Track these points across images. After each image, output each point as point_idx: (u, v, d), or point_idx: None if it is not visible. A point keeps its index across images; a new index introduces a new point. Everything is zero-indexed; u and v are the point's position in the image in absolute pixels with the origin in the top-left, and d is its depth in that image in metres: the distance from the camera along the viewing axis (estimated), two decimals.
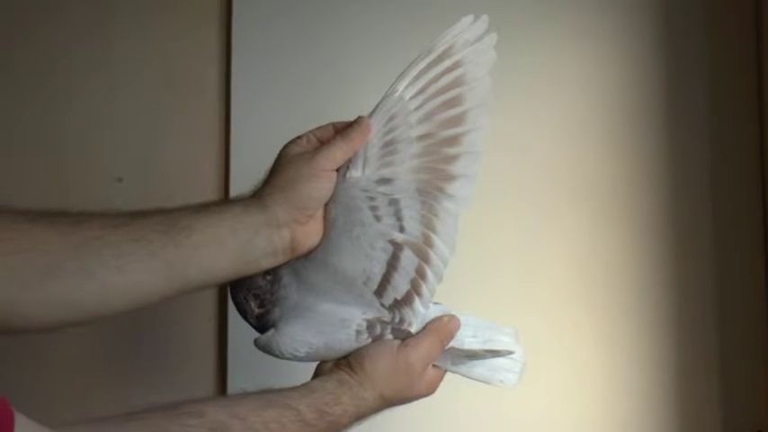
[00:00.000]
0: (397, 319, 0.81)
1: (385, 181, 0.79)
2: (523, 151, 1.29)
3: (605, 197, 1.29)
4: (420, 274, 0.80)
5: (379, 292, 0.80)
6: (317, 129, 0.82)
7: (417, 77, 0.80)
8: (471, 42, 0.80)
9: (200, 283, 0.78)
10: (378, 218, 0.79)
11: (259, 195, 0.79)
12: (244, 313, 0.83)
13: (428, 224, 0.80)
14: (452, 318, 0.82)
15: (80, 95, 1.28)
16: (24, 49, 1.28)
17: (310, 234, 0.79)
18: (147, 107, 1.29)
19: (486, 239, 1.25)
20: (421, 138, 0.79)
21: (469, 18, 0.81)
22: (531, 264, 1.27)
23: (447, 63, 0.80)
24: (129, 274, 0.73)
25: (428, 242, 0.80)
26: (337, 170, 0.80)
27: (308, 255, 0.81)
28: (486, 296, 1.23)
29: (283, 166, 0.79)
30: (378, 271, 0.80)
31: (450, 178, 0.80)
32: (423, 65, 0.80)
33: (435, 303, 0.83)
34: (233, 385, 1.20)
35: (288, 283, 0.81)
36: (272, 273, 0.82)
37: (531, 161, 1.29)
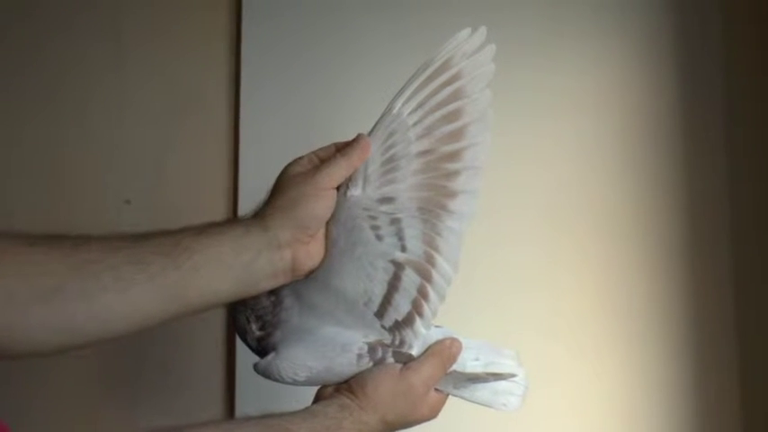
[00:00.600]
0: (397, 342, 0.81)
1: (387, 200, 0.79)
2: (540, 172, 1.28)
3: (623, 218, 1.28)
4: (422, 293, 0.80)
5: (380, 313, 0.80)
6: (320, 149, 0.82)
7: (415, 92, 0.80)
8: (469, 55, 0.80)
9: (201, 305, 0.78)
10: (379, 237, 0.79)
11: (260, 216, 0.79)
12: (244, 335, 0.83)
13: (430, 243, 0.80)
14: (454, 341, 0.82)
15: (88, 116, 1.29)
16: (32, 69, 1.29)
17: (312, 254, 0.80)
18: (156, 128, 1.29)
19: (501, 261, 1.24)
20: (421, 154, 0.79)
21: (467, 30, 0.80)
22: (547, 285, 1.26)
23: (445, 76, 0.79)
24: (129, 297, 0.73)
25: (430, 261, 0.80)
26: (338, 189, 0.80)
27: (310, 276, 0.81)
28: (499, 318, 1.22)
29: (284, 186, 0.80)
30: (378, 291, 0.79)
31: (452, 195, 0.80)
32: (420, 79, 0.80)
33: (437, 326, 0.83)
34: (241, 410, 1.20)
35: (289, 306, 0.81)
36: (275, 294, 0.82)
37: (548, 182, 1.28)
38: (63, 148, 1.28)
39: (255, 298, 0.81)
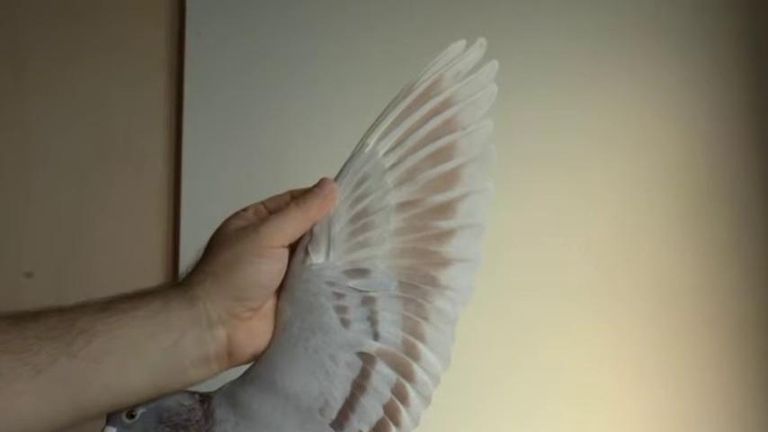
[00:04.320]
0: None
1: (358, 272, 0.73)
2: (569, 233, 1.19)
3: (684, 301, 1.17)
4: (399, 395, 0.72)
5: (339, 422, 0.70)
6: (271, 198, 0.77)
7: (394, 124, 0.74)
8: (465, 74, 0.75)
9: (106, 405, 0.71)
10: (345, 323, 0.72)
11: (186, 285, 0.72)
12: None
13: (413, 329, 0.73)
14: None
15: None
16: None
17: (255, 334, 0.73)
18: (70, 182, 1.22)
19: (511, 355, 1.15)
20: (402, 206, 0.73)
21: (461, 43, 0.75)
22: (578, 390, 1.15)
23: (433, 103, 0.74)
24: (7, 398, 0.67)
25: (412, 352, 0.72)
26: (294, 254, 0.73)
27: (249, 374, 0.72)
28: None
29: (220, 244, 0.73)
30: (338, 394, 0.71)
31: (443, 264, 0.73)
32: (401, 108, 0.74)
33: None
34: None
35: (223, 419, 0.71)
36: (204, 401, 0.72)
37: (581, 247, 1.18)
38: None
39: (180, 407, 0.72)
